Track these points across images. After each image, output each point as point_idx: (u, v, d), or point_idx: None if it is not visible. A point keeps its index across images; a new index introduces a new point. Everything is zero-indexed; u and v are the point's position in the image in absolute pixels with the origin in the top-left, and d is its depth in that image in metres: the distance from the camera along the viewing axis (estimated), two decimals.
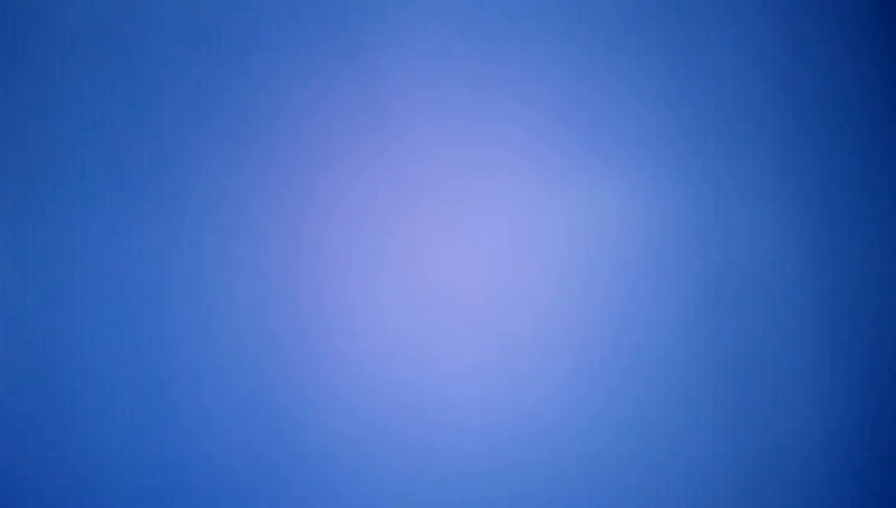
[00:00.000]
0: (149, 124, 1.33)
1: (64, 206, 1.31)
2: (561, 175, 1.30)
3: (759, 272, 1.28)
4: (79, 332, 1.30)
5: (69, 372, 1.31)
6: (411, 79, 1.31)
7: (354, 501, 1.29)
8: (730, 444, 1.27)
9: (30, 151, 1.33)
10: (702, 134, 1.29)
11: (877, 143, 1.29)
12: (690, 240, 1.29)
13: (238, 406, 1.30)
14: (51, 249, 1.31)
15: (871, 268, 1.28)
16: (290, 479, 1.30)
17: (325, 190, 1.31)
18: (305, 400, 1.30)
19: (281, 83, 1.32)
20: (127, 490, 1.30)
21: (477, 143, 1.31)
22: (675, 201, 1.29)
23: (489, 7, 1.31)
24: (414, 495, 1.30)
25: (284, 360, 1.30)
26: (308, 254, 1.31)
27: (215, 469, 1.31)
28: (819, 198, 1.28)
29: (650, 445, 1.28)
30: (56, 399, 1.30)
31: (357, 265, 1.31)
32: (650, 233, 1.29)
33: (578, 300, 1.29)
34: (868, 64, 1.30)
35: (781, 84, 1.29)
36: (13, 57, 1.31)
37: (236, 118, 1.32)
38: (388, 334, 1.30)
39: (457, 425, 1.29)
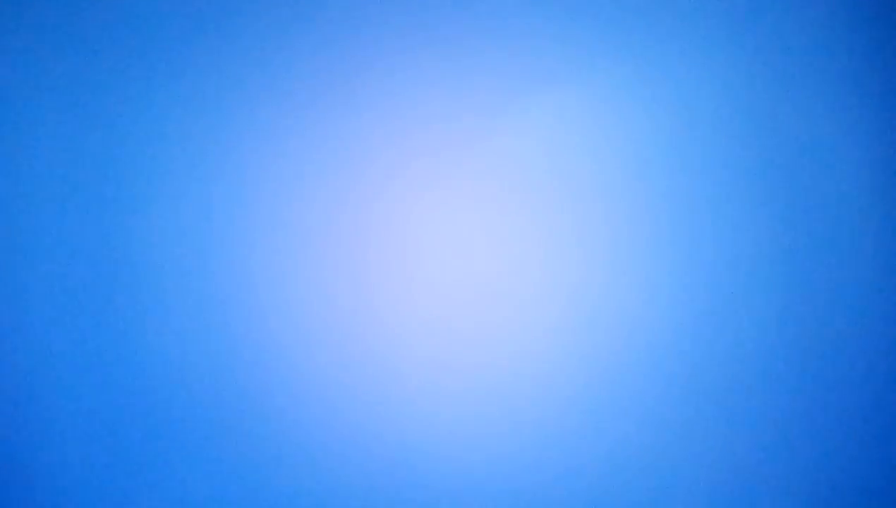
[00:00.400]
0: (142, 123, 1.32)
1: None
2: (561, 171, 1.30)
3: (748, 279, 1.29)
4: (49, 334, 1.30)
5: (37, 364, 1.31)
6: (412, 73, 1.31)
7: (353, 500, 1.29)
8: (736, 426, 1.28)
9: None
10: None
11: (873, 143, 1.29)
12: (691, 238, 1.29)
13: (238, 404, 1.29)
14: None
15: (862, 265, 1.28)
16: (281, 479, 1.30)
17: (326, 188, 1.31)
18: (301, 397, 1.30)
19: (279, 79, 1.31)
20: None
21: (477, 138, 1.30)
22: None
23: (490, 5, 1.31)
24: (411, 494, 1.30)
25: (281, 359, 1.30)
26: (307, 253, 1.31)
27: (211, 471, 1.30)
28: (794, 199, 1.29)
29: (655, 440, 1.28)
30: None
31: (358, 261, 1.31)
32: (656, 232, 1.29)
33: (579, 297, 1.29)
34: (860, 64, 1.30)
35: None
36: None
37: (234, 115, 1.32)
38: (390, 329, 1.30)
39: (466, 421, 1.29)
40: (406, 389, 1.29)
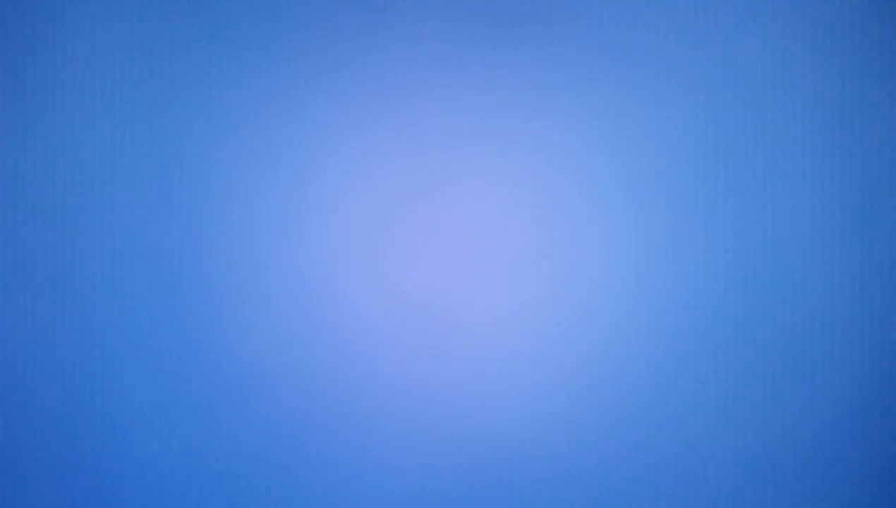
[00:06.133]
0: (155, 130, 1.34)
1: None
2: (565, 172, 1.31)
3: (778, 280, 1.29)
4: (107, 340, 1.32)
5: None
6: (412, 79, 1.32)
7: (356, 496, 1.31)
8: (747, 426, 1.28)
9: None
10: (715, 135, 1.29)
11: None
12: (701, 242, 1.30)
13: (241, 404, 1.31)
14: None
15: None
16: (290, 476, 1.31)
17: (327, 189, 1.32)
18: (305, 400, 1.31)
19: (285, 82, 1.33)
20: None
21: (478, 142, 1.32)
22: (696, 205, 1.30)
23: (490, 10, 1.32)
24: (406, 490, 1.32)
25: (288, 363, 1.31)
26: (306, 254, 1.32)
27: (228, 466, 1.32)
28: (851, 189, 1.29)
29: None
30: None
31: (356, 266, 1.32)
32: (665, 238, 1.30)
33: (580, 302, 1.30)
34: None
35: (808, 75, 1.29)
36: None
37: (239, 117, 1.33)
38: (384, 333, 1.31)
39: (469, 419, 1.30)
40: (410, 391, 1.31)
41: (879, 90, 1.29)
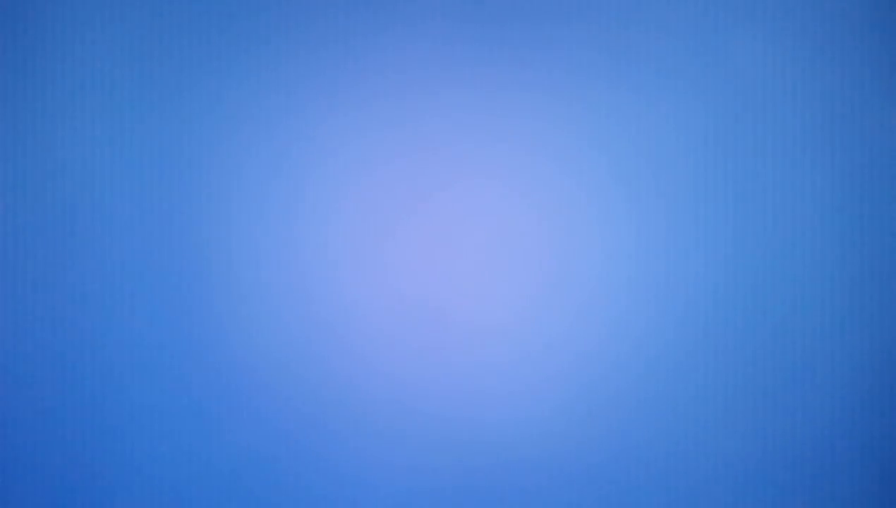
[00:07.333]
0: (158, 130, 1.34)
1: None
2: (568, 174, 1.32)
3: (780, 278, 1.29)
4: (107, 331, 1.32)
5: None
6: (412, 79, 1.32)
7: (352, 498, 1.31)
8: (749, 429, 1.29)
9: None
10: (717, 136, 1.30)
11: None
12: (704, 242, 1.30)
13: (241, 404, 1.31)
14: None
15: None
16: (289, 475, 1.32)
17: (327, 189, 1.33)
18: (305, 399, 1.32)
19: (284, 82, 1.33)
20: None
21: (480, 142, 1.32)
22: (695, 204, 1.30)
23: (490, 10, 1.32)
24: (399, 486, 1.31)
25: (287, 362, 1.31)
26: (306, 254, 1.32)
27: (230, 461, 1.32)
28: (843, 191, 1.29)
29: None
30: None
31: (355, 267, 1.32)
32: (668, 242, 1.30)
33: (580, 303, 1.30)
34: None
35: (807, 77, 1.29)
36: None
37: (239, 117, 1.33)
38: (382, 336, 1.31)
39: (466, 422, 1.31)
40: (408, 392, 1.31)
41: (879, 90, 1.29)
